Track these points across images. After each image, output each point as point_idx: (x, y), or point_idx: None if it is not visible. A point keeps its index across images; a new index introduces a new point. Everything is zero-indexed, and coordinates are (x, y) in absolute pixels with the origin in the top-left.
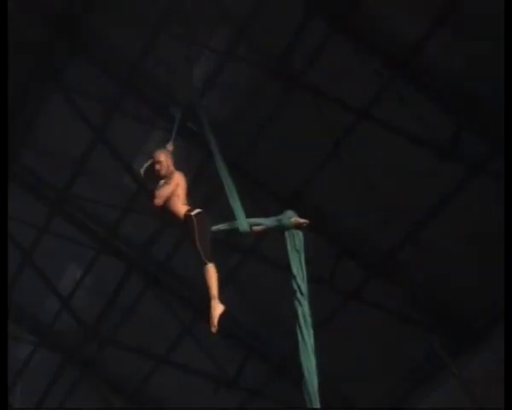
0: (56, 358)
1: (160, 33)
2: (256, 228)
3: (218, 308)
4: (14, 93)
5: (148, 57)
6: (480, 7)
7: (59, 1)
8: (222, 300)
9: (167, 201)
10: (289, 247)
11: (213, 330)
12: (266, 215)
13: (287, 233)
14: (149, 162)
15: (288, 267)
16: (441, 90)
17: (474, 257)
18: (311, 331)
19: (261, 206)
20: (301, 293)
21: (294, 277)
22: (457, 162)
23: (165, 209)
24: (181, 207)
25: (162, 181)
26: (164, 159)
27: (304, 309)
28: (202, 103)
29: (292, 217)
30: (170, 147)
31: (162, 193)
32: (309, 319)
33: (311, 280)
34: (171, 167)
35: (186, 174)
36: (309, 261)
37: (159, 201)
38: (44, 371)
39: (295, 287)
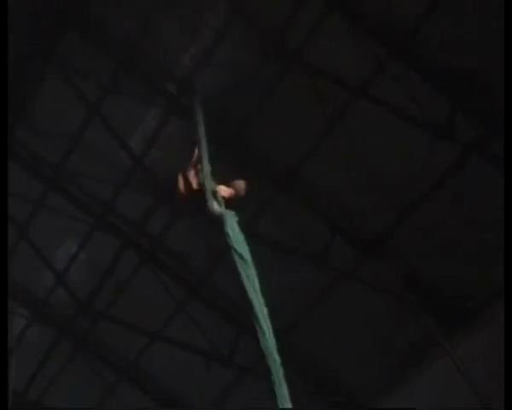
0: (50, 332)
1: (157, 10)
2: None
3: None
4: (9, 70)
5: (145, 33)
6: None
7: None
8: (215, 279)
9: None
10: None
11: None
12: (262, 192)
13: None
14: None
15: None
16: (437, 70)
17: (469, 237)
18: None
19: (257, 183)
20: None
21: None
22: (453, 142)
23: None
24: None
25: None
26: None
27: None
28: (197, 79)
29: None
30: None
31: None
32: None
33: (305, 258)
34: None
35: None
36: (303, 239)
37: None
38: (38, 346)
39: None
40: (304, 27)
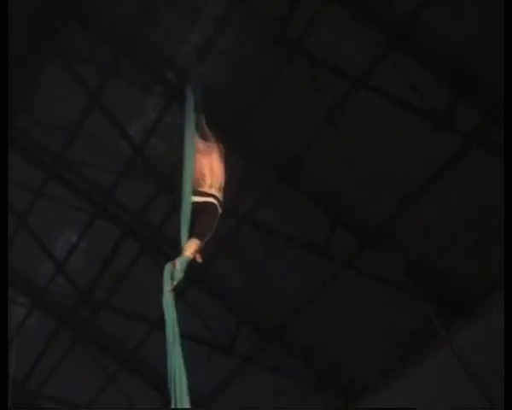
0: (50, 322)
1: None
2: None
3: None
4: (10, 58)
5: (145, 22)
6: None
7: None
8: (216, 268)
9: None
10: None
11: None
12: (263, 183)
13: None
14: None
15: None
16: (438, 58)
17: (468, 227)
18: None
19: (258, 174)
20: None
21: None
22: (453, 132)
23: None
24: None
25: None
26: None
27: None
28: (196, 68)
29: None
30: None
31: None
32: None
33: (306, 249)
34: None
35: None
36: (304, 231)
37: None
38: (38, 335)
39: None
40: (304, 17)
